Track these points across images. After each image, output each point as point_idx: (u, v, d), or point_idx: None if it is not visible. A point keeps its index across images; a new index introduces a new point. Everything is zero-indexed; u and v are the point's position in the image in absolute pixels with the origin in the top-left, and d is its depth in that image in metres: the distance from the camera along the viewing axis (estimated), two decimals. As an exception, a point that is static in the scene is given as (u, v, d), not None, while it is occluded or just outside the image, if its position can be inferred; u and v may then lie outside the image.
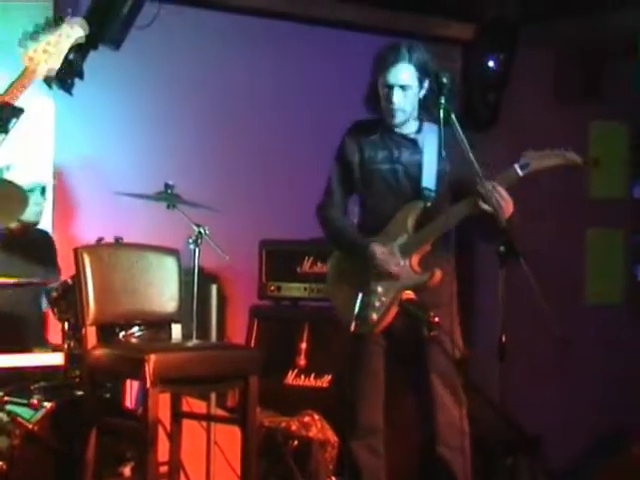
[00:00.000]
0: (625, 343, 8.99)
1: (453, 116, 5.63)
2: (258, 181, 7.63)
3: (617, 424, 7.83)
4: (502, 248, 5.34)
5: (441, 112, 5.63)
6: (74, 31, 5.03)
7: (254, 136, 7.94)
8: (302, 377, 7.37)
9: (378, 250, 5.70)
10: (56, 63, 5.03)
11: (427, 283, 5.75)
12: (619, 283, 9.44)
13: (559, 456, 7.68)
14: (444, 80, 5.67)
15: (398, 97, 5.73)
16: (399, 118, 5.81)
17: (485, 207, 5.53)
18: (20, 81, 5.00)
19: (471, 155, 5.46)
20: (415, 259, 5.76)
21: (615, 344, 8.88)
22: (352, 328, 5.68)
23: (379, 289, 5.75)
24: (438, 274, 5.74)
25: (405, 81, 5.73)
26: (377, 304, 5.72)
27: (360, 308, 5.70)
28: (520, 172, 5.56)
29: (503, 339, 5.18)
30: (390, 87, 5.75)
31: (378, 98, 5.84)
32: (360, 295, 5.69)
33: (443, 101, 5.64)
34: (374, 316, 5.72)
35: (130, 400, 6.73)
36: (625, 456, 7.41)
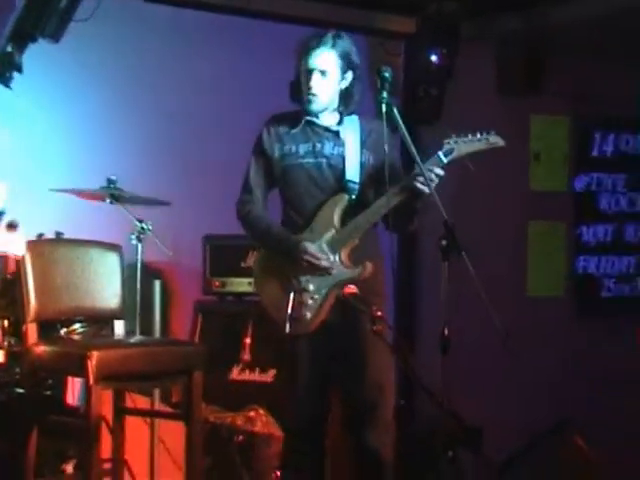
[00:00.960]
0: (565, 335, 9.01)
1: (395, 110, 5.59)
2: (200, 176, 7.61)
3: (559, 415, 7.81)
4: (444, 242, 5.31)
5: (383, 106, 5.55)
6: None
7: (195, 130, 7.96)
8: (247, 372, 7.40)
9: (309, 247, 5.64)
10: None
11: (359, 276, 5.69)
12: (560, 275, 9.44)
13: (501, 448, 7.66)
14: (386, 74, 5.56)
15: (316, 81, 5.67)
16: (316, 104, 5.73)
17: (423, 188, 5.46)
18: None
19: (413, 148, 5.39)
20: (345, 253, 5.70)
21: (555, 336, 8.88)
22: (287, 329, 5.62)
23: (311, 287, 5.67)
24: (369, 267, 5.67)
25: (324, 67, 5.68)
26: (310, 302, 5.65)
27: (292, 308, 5.64)
28: (444, 159, 5.54)
29: (446, 332, 5.14)
30: (309, 71, 5.69)
31: (300, 85, 5.81)
32: (292, 295, 5.62)
33: (385, 95, 5.56)
34: (308, 315, 5.65)
35: (72, 397, 6.69)
36: (567, 447, 7.43)
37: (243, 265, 7.73)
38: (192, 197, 7.46)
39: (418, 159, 5.41)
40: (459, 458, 7.08)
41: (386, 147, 5.47)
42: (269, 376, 7.04)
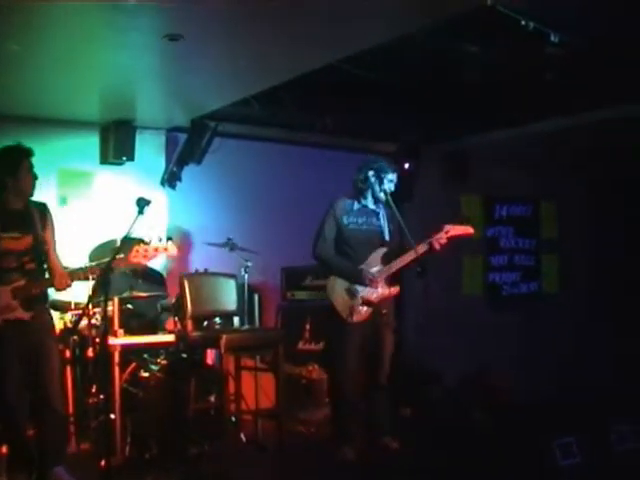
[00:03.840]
0: (480, 317, 9.01)
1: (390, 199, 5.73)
2: (278, 235, 7.57)
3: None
4: (418, 268, 5.38)
5: (388, 197, 5.74)
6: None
7: (278, 210, 7.88)
8: (307, 344, 7.33)
9: (368, 274, 5.70)
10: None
11: (391, 293, 5.79)
12: (480, 283, 9.45)
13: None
14: (392, 177, 5.77)
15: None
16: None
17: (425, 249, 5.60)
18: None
19: (402, 222, 5.52)
20: (384, 279, 5.74)
21: (475, 317, 8.90)
22: (351, 319, 5.70)
23: (366, 294, 5.71)
24: (396, 288, 5.80)
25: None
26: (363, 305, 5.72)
27: (354, 308, 5.67)
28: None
29: (421, 319, 5.17)
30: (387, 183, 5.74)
31: (364, 187, 5.81)
32: (354, 300, 5.68)
33: (391, 190, 5.77)
34: (362, 311, 5.70)
35: (210, 360, 6.71)
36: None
37: (303, 283, 7.65)
38: (274, 246, 7.42)
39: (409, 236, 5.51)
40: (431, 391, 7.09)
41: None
42: (320, 346, 7.04)
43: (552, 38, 5.46)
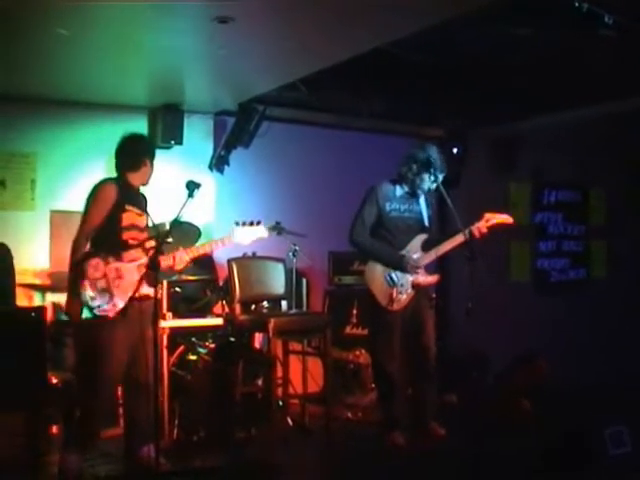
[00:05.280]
0: (529, 302, 8.99)
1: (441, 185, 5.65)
2: (325, 220, 7.49)
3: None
4: (467, 253, 5.31)
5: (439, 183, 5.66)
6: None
7: (325, 195, 7.84)
8: (354, 329, 7.30)
9: (410, 260, 5.64)
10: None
11: (432, 281, 5.75)
12: (527, 268, 9.37)
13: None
14: (439, 174, 5.68)
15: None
16: None
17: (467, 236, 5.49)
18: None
19: (452, 207, 5.37)
20: (424, 266, 5.72)
21: (525, 302, 8.89)
22: (390, 306, 5.65)
23: (405, 282, 5.68)
24: (437, 276, 5.79)
25: None
26: (402, 293, 5.66)
27: (393, 295, 5.64)
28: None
29: (470, 305, 5.11)
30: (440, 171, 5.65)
31: (410, 177, 5.73)
32: (394, 288, 5.65)
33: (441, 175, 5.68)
34: (402, 299, 5.67)
35: (258, 344, 6.69)
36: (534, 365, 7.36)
37: (350, 268, 7.62)
38: (322, 230, 7.36)
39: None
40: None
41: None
42: (366, 331, 6.99)
43: (606, 20, 5.33)
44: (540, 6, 5.35)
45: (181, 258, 5.04)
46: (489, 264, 7.94)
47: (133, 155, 5.13)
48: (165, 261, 4.94)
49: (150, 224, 5.15)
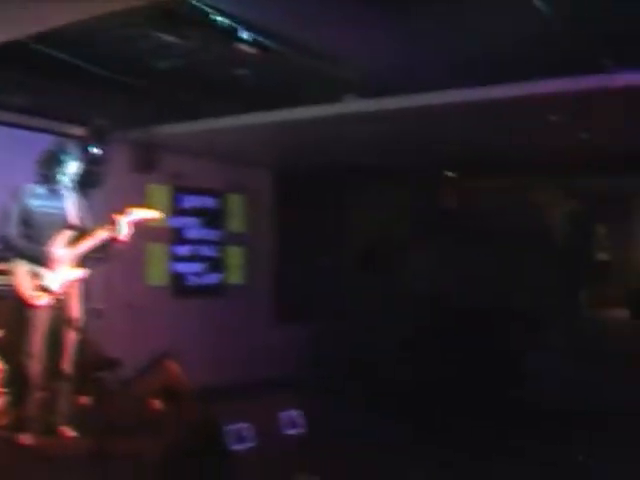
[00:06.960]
0: (167, 304, 9.17)
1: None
2: None
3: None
4: (99, 254, 5.33)
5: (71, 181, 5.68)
6: None
7: None
8: None
9: (51, 255, 5.59)
10: None
11: (76, 276, 5.69)
12: (165, 272, 9.48)
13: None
14: (73, 162, 5.70)
15: None
16: None
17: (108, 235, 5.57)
18: None
19: (82, 206, 5.45)
20: (69, 262, 5.66)
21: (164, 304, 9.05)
22: (35, 302, 5.51)
23: (50, 278, 5.56)
24: (81, 271, 5.75)
25: None
26: (49, 288, 5.57)
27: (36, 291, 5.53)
28: None
29: (100, 307, 5.06)
30: None
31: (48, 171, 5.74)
32: (38, 283, 5.52)
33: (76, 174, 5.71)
34: (47, 294, 5.58)
35: None
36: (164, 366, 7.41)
37: None
38: None
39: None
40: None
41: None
42: None
43: (245, 37, 5.62)
44: (185, 15, 5.49)
45: None
46: (125, 266, 8.08)
47: None
48: None
49: None
